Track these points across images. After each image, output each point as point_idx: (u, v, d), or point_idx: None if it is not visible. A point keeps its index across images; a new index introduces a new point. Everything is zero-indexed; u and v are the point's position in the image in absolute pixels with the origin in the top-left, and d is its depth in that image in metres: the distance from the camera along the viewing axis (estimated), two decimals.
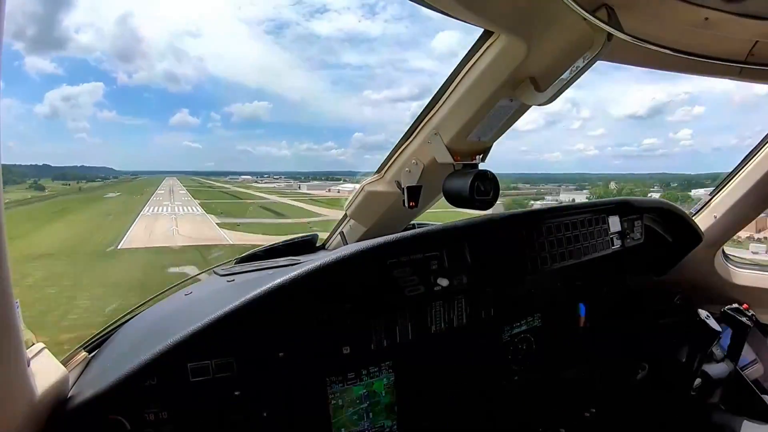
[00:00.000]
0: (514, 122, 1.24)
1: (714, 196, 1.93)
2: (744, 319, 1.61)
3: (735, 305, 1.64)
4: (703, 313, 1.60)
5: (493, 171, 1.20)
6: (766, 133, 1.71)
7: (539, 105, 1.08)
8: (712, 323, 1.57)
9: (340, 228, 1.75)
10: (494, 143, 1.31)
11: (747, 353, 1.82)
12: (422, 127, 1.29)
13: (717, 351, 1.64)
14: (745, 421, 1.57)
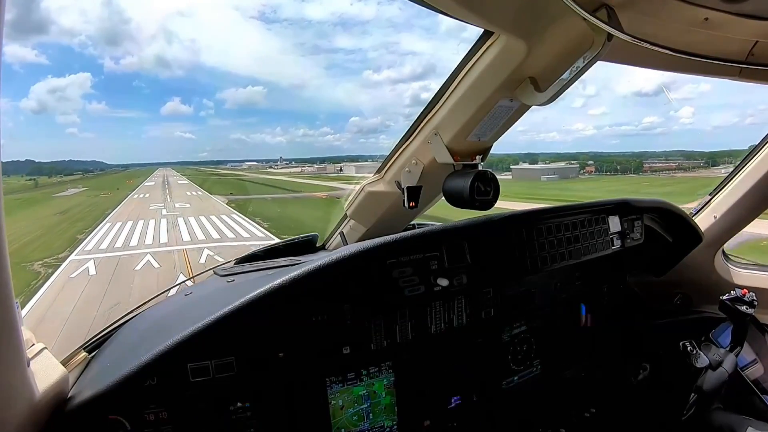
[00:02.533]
0: (514, 122, 1.24)
1: (714, 196, 1.93)
2: (744, 307, 1.58)
3: (734, 293, 1.61)
4: (688, 346, 1.59)
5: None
6: (766, 134, 1.71)
7: (539, 105, 1.08)
8: (697, 358, 1.56)
9: (340, 228, 1.75)
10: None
11: (747, 353, 1.82)
12: (422, 127, 1.29)
13: (712, 354, 1.62)
14: (745, 421, 1.56)
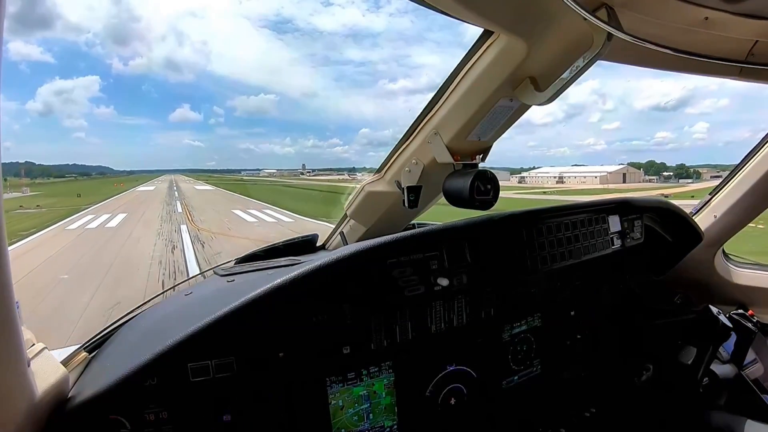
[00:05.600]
0: (514, 122, 1.24)
1: (714, 196, 1.93)
2: (749, 324, 1.62)
3: (740, 311, 1.66)
4: (714, 309, 1.60)
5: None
6: (766, 134, 1.71)
7: (539, 105, 1.08)
8: (724, 319, 1.58)
9: (340, 228, 1.76)
10: (495, 142, 1.32)
11: (747, 354, 1.82)
12: (422, 127, 1.29)
13: (722, 353, 1.64)
14: (745, 422, 1.57)
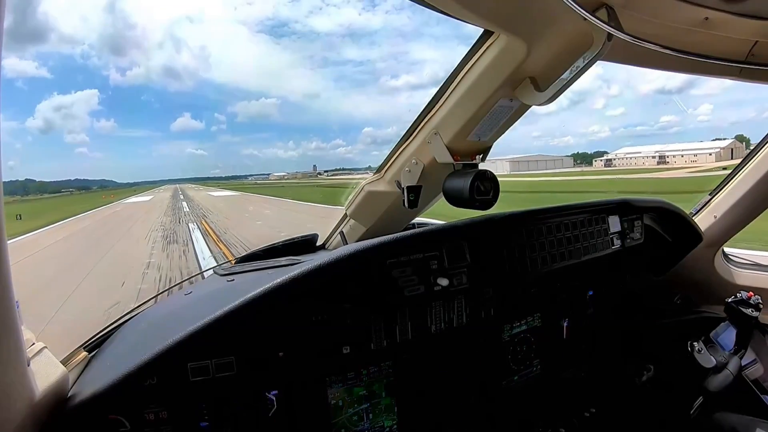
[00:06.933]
0: (514, 122, 1.24)
1: (714, 196, 1.93)
2: (749, 310, 1.58)
3: (740, 296, 1.60)
4: (695, 346, 1.58)
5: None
6: (765, 134, 1.71)
7: (539, 105, 1.08)
8: (703, 358, 1.56)
9: (340, 228, 1.75)
10: (495, 142, 1.32)
11: (747, 353, 1.82)
12: (422, 127, 1.29)
13: (718, 356, 1.62)
14: (751, 423, 1.56)
